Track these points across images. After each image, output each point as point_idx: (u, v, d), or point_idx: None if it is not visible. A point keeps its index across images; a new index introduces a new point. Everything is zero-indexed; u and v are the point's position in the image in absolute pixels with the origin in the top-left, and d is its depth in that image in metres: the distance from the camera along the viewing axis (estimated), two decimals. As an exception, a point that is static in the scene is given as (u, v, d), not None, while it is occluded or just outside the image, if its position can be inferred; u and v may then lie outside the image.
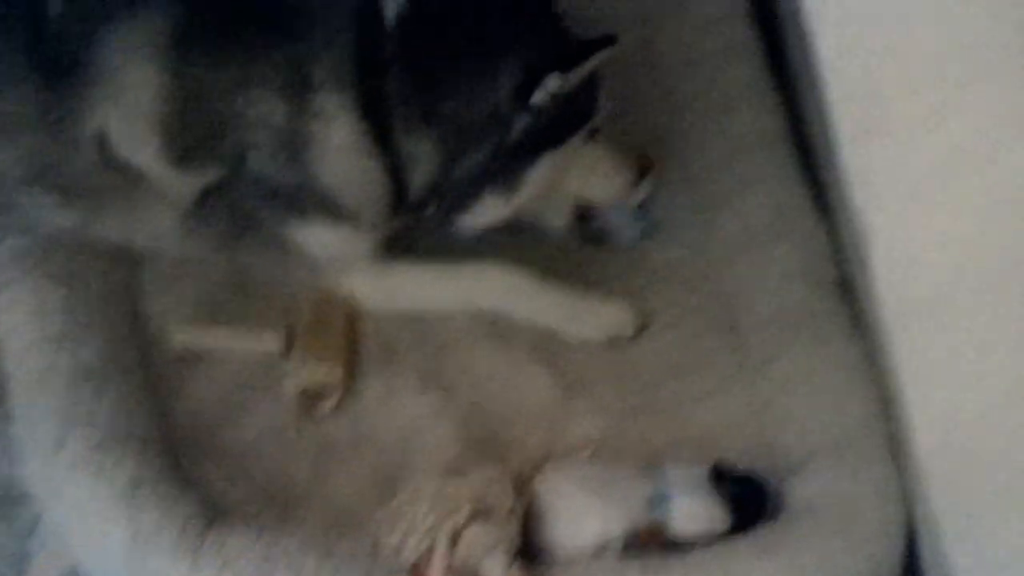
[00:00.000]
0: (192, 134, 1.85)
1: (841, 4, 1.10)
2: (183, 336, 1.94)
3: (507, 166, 1.87)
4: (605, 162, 2.04)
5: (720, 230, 2.13)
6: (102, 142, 1.86)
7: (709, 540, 1.69)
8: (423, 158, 1.85)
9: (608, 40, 1.86)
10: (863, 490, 1.71)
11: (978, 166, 0.96)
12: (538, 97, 1.82)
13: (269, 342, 1.96)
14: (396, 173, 1.87)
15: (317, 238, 1.95)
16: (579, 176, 2.02)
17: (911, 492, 1.69)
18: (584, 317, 2.03)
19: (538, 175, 1.90)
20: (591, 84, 1.92)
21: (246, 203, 1.90)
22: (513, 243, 2.10)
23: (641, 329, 2.03)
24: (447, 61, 1.83)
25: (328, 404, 1.90)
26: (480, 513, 1.64)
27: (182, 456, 1.80)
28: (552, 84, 1.82)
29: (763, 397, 1.91)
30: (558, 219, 2.09)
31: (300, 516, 1.78)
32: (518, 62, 1.82)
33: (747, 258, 2.06)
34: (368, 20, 1.84)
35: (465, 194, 1.88)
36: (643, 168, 2.08)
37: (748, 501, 1.71)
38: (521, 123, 1.84)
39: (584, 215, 2.09)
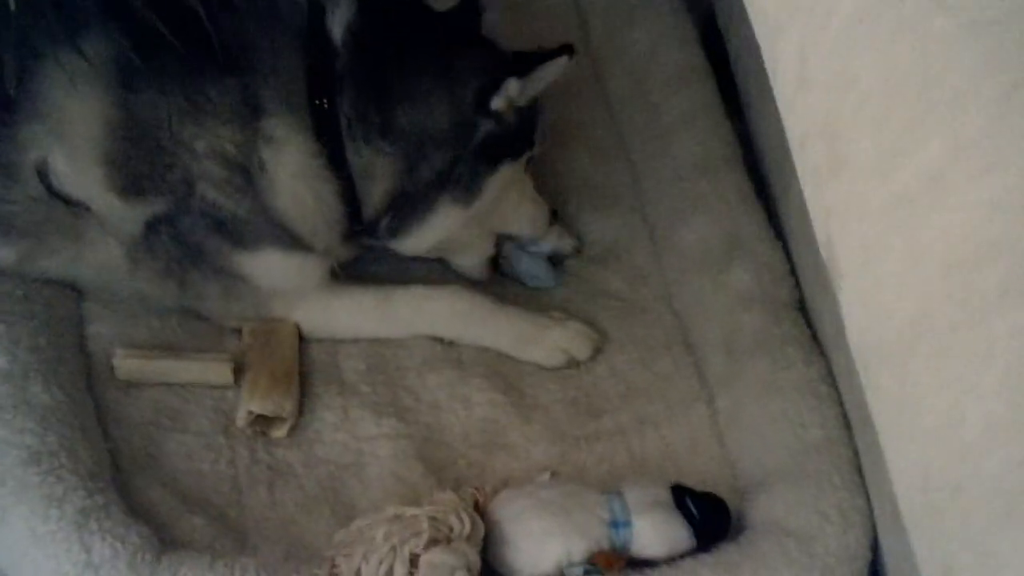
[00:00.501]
0: (138, 166, 1.81)
1: (799, 37, 1.08)
2: (129, 367, 1.89)
3: (468, 173, 1.88)
4: (529, 199, 2.08)
5: (671, 253, 2.14)
6: (44, 174, 1.82)
7: (672, 560, 1.67)
8: (380, 173, 1.85)
9: (565, 49, 1.88)
10: (825, 513, 1.69)
11: (942, 203, 0.94)
12: (497, 102, 1.85)
13: (217, 375, 1.92)
14: (350, 194, 1.86)
15: (266, 268, 1.92)
16: (510, 208, 2.04)
17: (877, 516, 1.69)
18: (537, 341, 2.02)
19: (496, 184, 1.92)
20: (535, 107, 1.95)
21: (193, 234, 1.87)
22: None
23: (596, 352, 2.02)
24: (401, 74, 1.84)
25: (280, 432, 1.86)
26: (439, 538, 1.61)
27: (131, 484, 1.75)
28: (511, 89, 1.85)
29: (722, 419, 1.91)
30: (476, 259, 2.10)
31: (254, 543, 1.74)
32: (477, 70, 1.86)
33: (698, 281, 2.07)
34: (315, 40, 1.84)
35: (423, 203, 1.88)
36: (553, 214, 2.12)
37: (710, 520, 1.70)
38: (484, 129, 1.87)
39: (496, 259, 2.11)
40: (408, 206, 1.89)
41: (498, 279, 2.14)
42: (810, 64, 1.05)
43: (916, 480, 1.05)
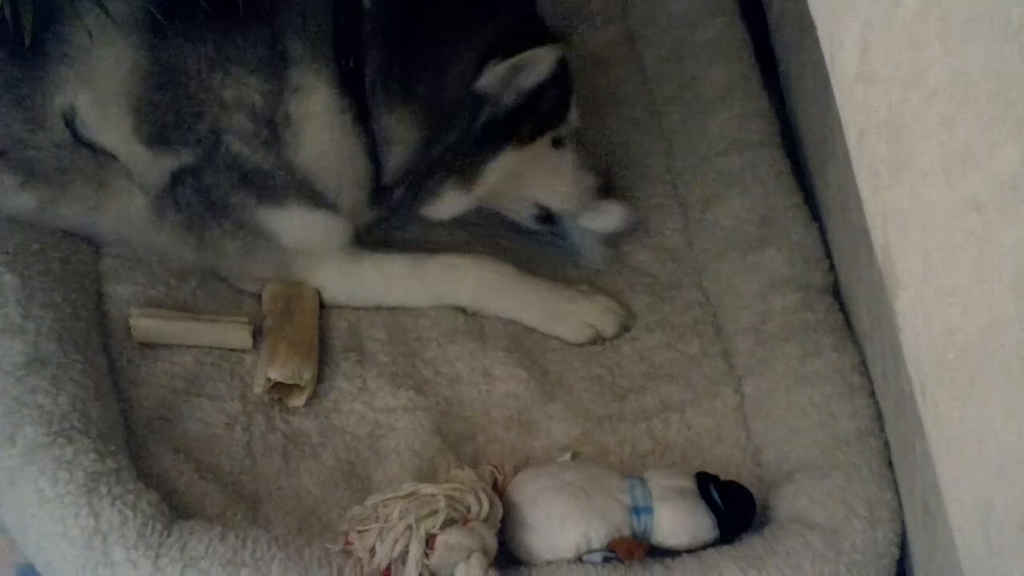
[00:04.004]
0: (166, 114, 1.79)
1: (862, 23, 1.00)
2: (145, 327, 1.86)
3: (469, 157, 1.83)
4: (567, 173, 2.00)
5: (703, 233, 2.09)
6: (70, 120, 1.80)
7: (694, 551, 1.62)
8: (398, 139, 1.82)
9: (554, 39, 1.82)
10: (852, 507, 1.64)
11: (1016, 212, 0.87)
12: (483, 83, 1.78)
13: (236, 338, 1.88)
14: (374, 153, 1.83)
15: (291, 225, 1.89)
16: (539, 182, 1.99)
17: (907, 512, 1.64)
18: (564, 315, 1.98)
19: (497, 170, 1.87)
20: (560, 91, 1.89)
21: (218, 187, 1.83)
22: (490, 239, 2.07)
23: (623, 330, 1.97)
24: (422, 41, 1.80)
25: (297, 401, 1.83)
26: (456, 518, 1.57)
27: (143, 448, 1.72)
28: (498, 71, 1.78)
29: (749, 406, 1.86)
30: (520, 214, 2.05)
31: (267, 513, 1.71)
32: (478, 46, 1.79)
33: (731, 263, 2.02)
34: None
35: (430, 183, 1.85)
36: (607, 184, 2.03)
37: (734, 510, 1.65)
38: (483, 111, 1.80)
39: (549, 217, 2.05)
40: (419, 183, 1.85)
41: (536, 249, 2.08)
42: (873, 54, 0.98)
43: (977, 515, 0.98)
